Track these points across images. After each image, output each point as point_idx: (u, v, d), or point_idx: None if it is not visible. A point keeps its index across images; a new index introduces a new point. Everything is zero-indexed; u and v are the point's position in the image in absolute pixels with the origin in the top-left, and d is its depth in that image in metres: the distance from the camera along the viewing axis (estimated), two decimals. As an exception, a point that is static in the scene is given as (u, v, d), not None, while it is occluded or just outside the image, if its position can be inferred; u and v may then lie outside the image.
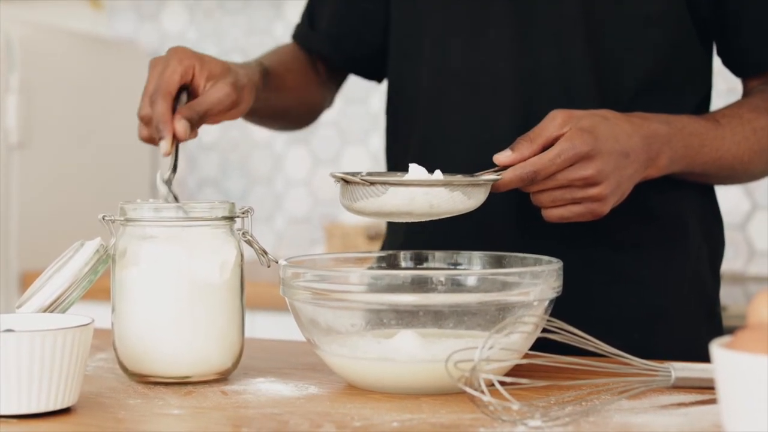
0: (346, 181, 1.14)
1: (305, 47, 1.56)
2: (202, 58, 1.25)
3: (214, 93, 1.23)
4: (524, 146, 1.18)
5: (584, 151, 1.17)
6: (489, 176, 1.16)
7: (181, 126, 1.19)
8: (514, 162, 1.18)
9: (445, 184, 1.12)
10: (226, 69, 1.27)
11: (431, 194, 1.12)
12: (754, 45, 1.36)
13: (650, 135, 1.24)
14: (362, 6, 1.52)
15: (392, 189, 1.12)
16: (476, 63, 1.37)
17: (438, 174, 1.15)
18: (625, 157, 1.21)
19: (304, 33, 1.57)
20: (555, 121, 1.19)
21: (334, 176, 1.15)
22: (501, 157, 1.18)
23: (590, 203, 1.20)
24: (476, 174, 1.18)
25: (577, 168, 1.18)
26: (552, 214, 1.21)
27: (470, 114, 1.36)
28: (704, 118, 1.32)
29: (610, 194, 1.20)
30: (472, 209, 1.16)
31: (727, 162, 1.32)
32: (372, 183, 1.12)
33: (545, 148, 1.18)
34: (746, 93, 1.41)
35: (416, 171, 1.15)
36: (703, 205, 1.40)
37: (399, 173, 1.19)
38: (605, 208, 1.21)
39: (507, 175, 1.16)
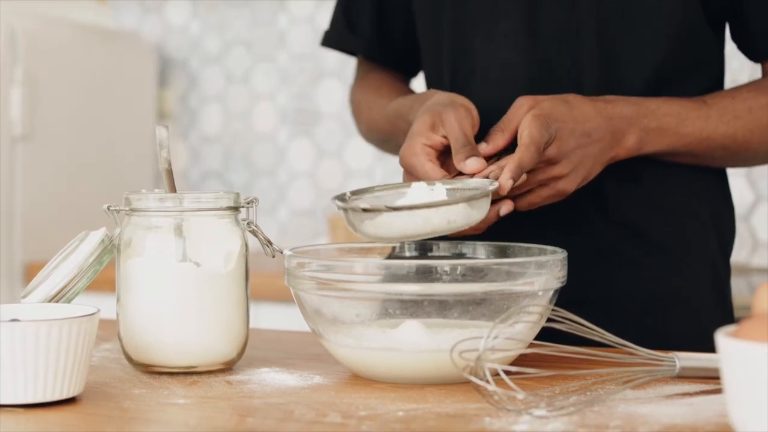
0: (365, 210, 1.13)
1: (345, 51, 1.60)
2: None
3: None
4: (498, 137, 1.23)
5: (548, 135, 1.21)
6: (486, 183, 1.17)
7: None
8: (490, 153, 1.22)
9: (467, 200, 1.12)
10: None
11: (448, 211, 1.12)
12: (763, 29, 1.36)
13: (614, 116, 1.26)
14: (397, 4, 1.53)
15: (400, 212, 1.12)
16: (489, 56, 1.37)
17: (440, 187, 1.15)
18: (586, 136, 1.24)
19: (343, 37, 1.58)
20: (521, 109, 1.23)
21: (350, 207, 1.14)
22: (481, 150, 1.22)
23: (555, 183, 1.24)
24: (460, 178, 1.19)
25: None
26: (523, 202, 1.24)
27: (482, 107, 1.37)
28: (687, 99, 1.32)
29: (572, 172, 1.24)
30: (480, 220, 1.16)
31: (716, 141, 1.32)
32: (395, 209, 1.11)
33: (515, 135, 1.22)
34: (764, 76, 1.40)
35: (419, 188, 1.15)
36: (713, 191, 1.40)
37: (393, 184, 1.21)
38: (570, 185, 1.24)
39: (503, 182, 1.17)
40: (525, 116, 1.21)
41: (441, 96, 1.29)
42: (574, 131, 1.23)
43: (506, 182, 1.16)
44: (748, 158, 1.38)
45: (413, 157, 1.22)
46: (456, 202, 1.12)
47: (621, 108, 1.27)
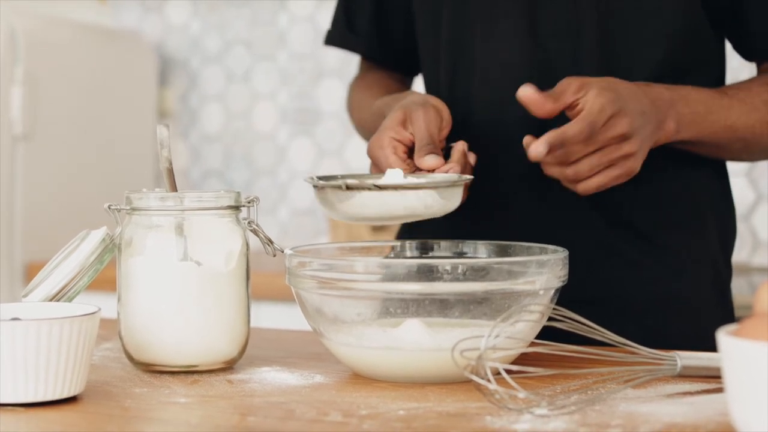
0: (349, 187, 1.14)
1: (346, 49, 1.61)
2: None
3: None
4: (549, 99, 1.18)
5: (614, 110, 1.18)
6: (455, 177, 1.18)
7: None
8: (531, 100, 1.18)
9: (451, 184, 1.15)
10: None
11: (427, 196, 1.13)
12: (764, 29, 1.36)
13: (656, 98, 1.25)
14: (396, 2, 1.53)
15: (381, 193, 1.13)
16: (489, 56, 1.37)
17: (413, 178, 1.17)
18: (642, 114, 1.22)
19: (343, 36, 1.59)
20: (572, 86, 1.20)
21: (330, 185, 1.15)
22: (525, 91, 1.18)
23: (624, 161, 1.21)
24: (421, 174, 1.20)
25: (610, 126, 1.18)
26: (590, 184, 1.21)
27: (483, 106, 1.36)
28: (710, 89, 1.32)
29: (639, 150, 1.21)
30: (453, 209, 1.17)
31: (739, 132, 1.32)
32: (381, 188, 1.12)
33: (563, 110, 1.19)
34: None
35: (393, 174, 1.17)
36: (714, 191, 1.40)
37: (359, 174, 1.23)
38: (638, 164, 1.22)
39: (534, 149, 1.15)
40: (591, 89, 1.18)
41: (416, 96, 1.30)
42: (635, 109, 1.21)
43: (537, 149, 1.14)
44: (758, 152, 1.38)
45: (379, 150, 1.24)
46: (440, 186, 1.13)
47: (659, 90, 1.26)
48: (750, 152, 1.38)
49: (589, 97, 1.18)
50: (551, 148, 1.15)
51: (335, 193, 1.15)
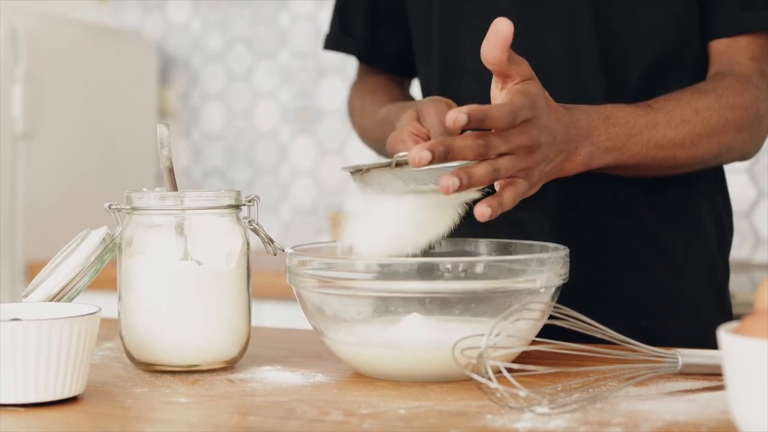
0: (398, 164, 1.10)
1: (342, 52, 1.63)
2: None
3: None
4: (508, 51, 1.10)
5: (528, 115, 1.10)
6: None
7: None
8: (503, 35, 1.08)
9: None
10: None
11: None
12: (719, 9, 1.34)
13: (570, 125, 1.17)
14: (390, 5, 1.53)
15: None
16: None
17: None
18: (551, 134, 1.13)
19: (339, 40, 1.61)
20: (525, 68, 1.12)
21: (374, 166, 1.11)
22: (504, 24, 1.08)
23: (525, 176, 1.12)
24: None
25: (521, 131, 1.09)
26: (507, 194, 1.11)
27: (477, 102, 1.36)
28: (633, 105, 1.25)
29: (536, 167, 1.12)
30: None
31: (666, 149, 1.25)
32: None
33: (503, 71, 1.12)
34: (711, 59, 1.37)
35: None
36: (713, 191, 1.40)
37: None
38: (531, 184, 1.13)
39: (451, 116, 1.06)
40: (533, 83, 1.11)
41: (425, 99, 1.29)
42: (547, 125, 1.12)
43: (457, 114, 1.04)
44: (692, 164, 1.31)
45: (400, 144, 1.23)
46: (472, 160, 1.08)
47: (578, 117, 1.19)
48: (683, 167, 1.30)
49: (531, 88, 1.11)
50: (470, 119, 1.05)
51: (381, 174, 1.11)
